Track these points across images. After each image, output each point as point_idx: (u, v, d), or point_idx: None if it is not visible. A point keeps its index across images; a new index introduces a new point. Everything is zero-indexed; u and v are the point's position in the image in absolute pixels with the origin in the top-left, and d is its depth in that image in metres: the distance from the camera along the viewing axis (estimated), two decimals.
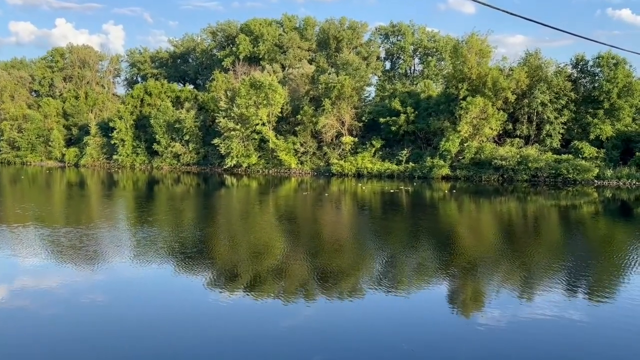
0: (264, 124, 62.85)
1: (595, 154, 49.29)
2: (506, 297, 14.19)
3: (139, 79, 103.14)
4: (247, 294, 14.51)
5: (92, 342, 11.06)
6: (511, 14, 12.32)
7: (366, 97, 68.27)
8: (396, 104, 56.78)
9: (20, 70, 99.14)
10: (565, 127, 52.54)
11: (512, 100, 52.32)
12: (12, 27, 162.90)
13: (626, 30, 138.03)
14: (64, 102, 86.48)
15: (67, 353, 10.64)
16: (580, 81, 54.05)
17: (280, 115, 63.92)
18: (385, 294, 14.57)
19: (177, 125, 68.44)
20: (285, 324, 12.21)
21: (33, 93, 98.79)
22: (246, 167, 64.01)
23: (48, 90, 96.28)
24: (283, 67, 78.44)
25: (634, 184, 45.36)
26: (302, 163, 62.03)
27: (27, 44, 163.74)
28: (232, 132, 62.31)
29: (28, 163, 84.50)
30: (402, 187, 45.05)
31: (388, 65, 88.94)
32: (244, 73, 70.43)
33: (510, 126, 53.95)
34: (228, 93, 65.48)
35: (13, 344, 11.02)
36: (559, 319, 12.33)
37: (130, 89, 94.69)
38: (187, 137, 68.57)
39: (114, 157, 74.27)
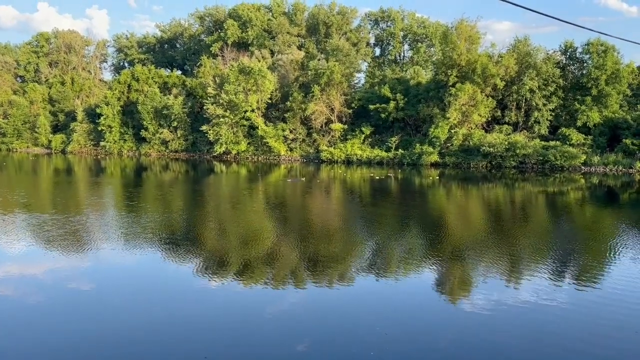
0: (253, 111, 62.46)
1: (583, 141, 49.63)
2: (492, 283, 14.27)
3: (126, 64, 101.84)
4: (235, 281, 14.47)
5: (77, 327, 10.97)
6: None
7: (356, 83, 68.18)
8: (386, 91, 56.67)
9: (4, 55, 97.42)
10: (553, 113, 52.81)
11: (501, 87, 52.42)
12: None
13: (612, 16, 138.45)
14: (50, 88, 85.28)
15: (51, 339, 10.54)
16: (568, 68, 54.24)
17: (270, 101, 63.57)
18: (372, 280, 14.60)
19: (165, 112, 67.84)
20: (272, 310, 12.21)
21: (18, 78, 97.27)
22: (235, 153, 63.72)
23: (33, 75, 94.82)
24: (272, 53, 77.81)
25: (621, 171, 45.78)
26: (291, 150, 61.90)
27: (8, 29, 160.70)
28: (221, 119, 61.88)
29: (14, 150, 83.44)
30: (391, 174, 45.10)
31: (378, 51, 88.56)
32: (233, 59, 69.80)
33: (499, 113, 54.13)
34: (216, 79, 64.91)
35: None
36: (543, 304, 12.43)
37: (117, 75, 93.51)
38: (175, 124, 68.03)
39: (101, 143, 73.59)
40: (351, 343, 10.39)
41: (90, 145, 76.76)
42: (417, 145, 53.07)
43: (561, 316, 11.81)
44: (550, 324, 11.32)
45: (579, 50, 53.36)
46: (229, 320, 11.67)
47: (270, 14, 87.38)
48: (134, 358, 9.87)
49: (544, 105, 52.15)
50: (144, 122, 69.27)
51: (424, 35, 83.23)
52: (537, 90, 51.75)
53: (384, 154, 55.37)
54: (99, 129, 72.93)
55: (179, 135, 68.61)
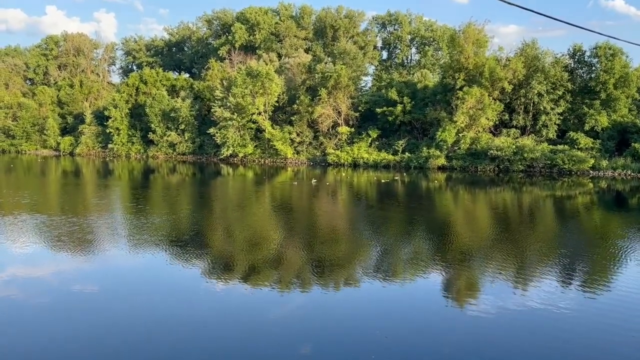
0: (260, 114, 62.60)
1: (591, 145, 49.32)
2: (499, 287, 14.19)
3: (134, 67, 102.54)
4: (240, 283, 14.48)
5: (81, 328, 11.01)
6: (506, 2, 12.16)
7: (363, 86, 68.12)
8: (393, 94, 56.61)
9: (14, 58, 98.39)
10: (561, 117, 52.53)
11: (509, 91, 52.22)
12: (2, 14, 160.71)
13: (619, 20, 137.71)
14: (58, 91, 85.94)
15: (56, 340, 10.59)
16: (577, 71, 53.96)
17: (277, 104, 63.69)
18: (378, 283, 14.56)
19: (172, 114, 68.15)
20: (276, 313, 12.20)
21: (27, 81, 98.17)
22: (242, 156, 63.87)
23: (43, 78, 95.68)
24: (279, 56, 78.03)
25: (629, 175, 45.45)
26: (298, 153, 61.95)
27: (17, 32, 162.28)
28: (228, 122, 62.07)
29: (23, 152, 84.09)
30: (397, 178, 45.02)
31: (385, 54, 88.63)
32: (240, 62, 70.06)
33: (507, 116, 53.91)
34: (224, 82, 65.17)
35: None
36: (550, 310, 12.34)
37: (125, 78, 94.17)
38: (182, 126, 68.33)
39: (109, 145, 74.01)
40: (353, 346, 10.36)
41: (98, 148, 77.24)
42: (424, 148, 52.95)
43: (568, 322, 11.72)
44: (557, 329, 11.24)
45: (587, 53, 53.09)
46: (232, 322, 11.67)
47: (278, 17, 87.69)
48: (139, 359, 9.90)
49: (552, 109, 51.88)
50: (152, 125, 69.63)
51: (432, 39, 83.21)
52: (545, 94, 51.51)
53: (390, 157, 55.29)
54: (107, 131, 73.40)
55: (186, 138, 68.90)
